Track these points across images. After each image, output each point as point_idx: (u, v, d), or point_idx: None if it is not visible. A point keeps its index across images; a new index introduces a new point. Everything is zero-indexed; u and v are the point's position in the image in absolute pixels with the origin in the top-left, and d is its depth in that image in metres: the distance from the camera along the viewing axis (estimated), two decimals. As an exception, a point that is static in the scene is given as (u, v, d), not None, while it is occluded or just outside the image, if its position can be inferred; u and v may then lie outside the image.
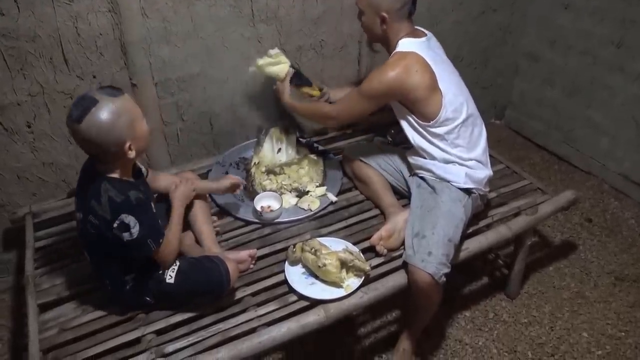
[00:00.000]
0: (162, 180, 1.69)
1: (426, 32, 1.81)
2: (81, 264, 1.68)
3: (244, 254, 1.66)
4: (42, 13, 1.70)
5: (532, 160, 3.04)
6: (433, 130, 1.73)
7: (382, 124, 2.28)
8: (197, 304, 1.54)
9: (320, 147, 2.22)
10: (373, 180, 1.95)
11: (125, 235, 1.32)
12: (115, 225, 1.31)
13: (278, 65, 2.01)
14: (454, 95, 1.73)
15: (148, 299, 1.49)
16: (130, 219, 1.32)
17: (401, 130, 1.83)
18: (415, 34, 1.76)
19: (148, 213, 1.39)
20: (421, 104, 1.70)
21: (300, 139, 2.20)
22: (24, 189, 1.99)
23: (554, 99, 2.99)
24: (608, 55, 2.63)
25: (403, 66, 1.67)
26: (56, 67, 1.81)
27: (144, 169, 1.57)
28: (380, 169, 1.97)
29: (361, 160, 1.99)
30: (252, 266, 1.68)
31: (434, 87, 1.69)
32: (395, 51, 1.72)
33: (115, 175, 1.36)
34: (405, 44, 1.72)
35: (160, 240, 1.41)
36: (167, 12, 1.90)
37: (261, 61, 2.00)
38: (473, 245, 1.80)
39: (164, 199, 1.66)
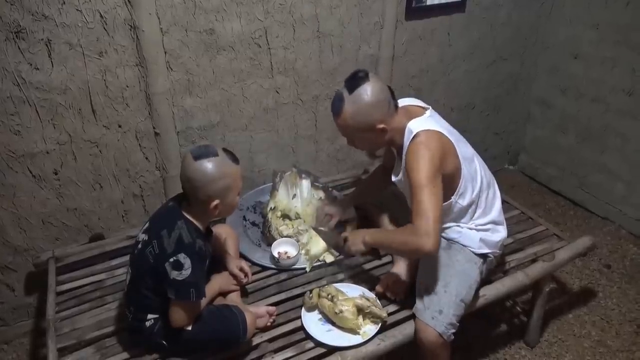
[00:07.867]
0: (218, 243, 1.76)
1: (421, 104, 1.71)
2: (101, 308, 1.72)
3: (262, 309, 1.65)
4: (74, 67, 1.80)
5: (548, 206, 3.04)
6: (454, 206, 1.66)
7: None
8: (212, 352, 1.54)
9: (335, 192, 2.26)
10: (384, 225, 1.96)
11: (174, 273, 1.37)
12: (171, 259, 1.37)
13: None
14: (468, 163, 1.66)
15: (164, 342, 1.50)
16: (187, 262, 1.38)
17: None
18: (415, 113, 1.63)
19: (201, 267, 1.45)
20: (449, 177, 1.58)
21: (315, 184, 2.24)
22: (48, 233, 2.04)
23: (567, 145, 3.02)
24: (620, 103, 2.67)
25: (432, 137, 1.54)
26: (84, 117, 1.90)
27: (213, 232, 1.66)
28: (391, 214, 1.97)
29: (373, 205, 2.01)
30: (269, 324, 1.64)
31: (457, 156, 1.61)
32: (413, 135, 1.55)
33: (193, 220, 1.46)
34: (416, 125, 1.56)
35: (200, 298, 1.44)
36: (190, 65, 2.00)
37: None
38: (490, 292, 1.79)
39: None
